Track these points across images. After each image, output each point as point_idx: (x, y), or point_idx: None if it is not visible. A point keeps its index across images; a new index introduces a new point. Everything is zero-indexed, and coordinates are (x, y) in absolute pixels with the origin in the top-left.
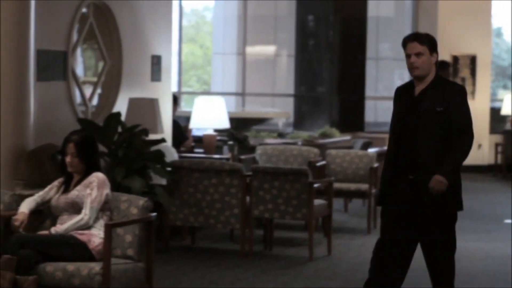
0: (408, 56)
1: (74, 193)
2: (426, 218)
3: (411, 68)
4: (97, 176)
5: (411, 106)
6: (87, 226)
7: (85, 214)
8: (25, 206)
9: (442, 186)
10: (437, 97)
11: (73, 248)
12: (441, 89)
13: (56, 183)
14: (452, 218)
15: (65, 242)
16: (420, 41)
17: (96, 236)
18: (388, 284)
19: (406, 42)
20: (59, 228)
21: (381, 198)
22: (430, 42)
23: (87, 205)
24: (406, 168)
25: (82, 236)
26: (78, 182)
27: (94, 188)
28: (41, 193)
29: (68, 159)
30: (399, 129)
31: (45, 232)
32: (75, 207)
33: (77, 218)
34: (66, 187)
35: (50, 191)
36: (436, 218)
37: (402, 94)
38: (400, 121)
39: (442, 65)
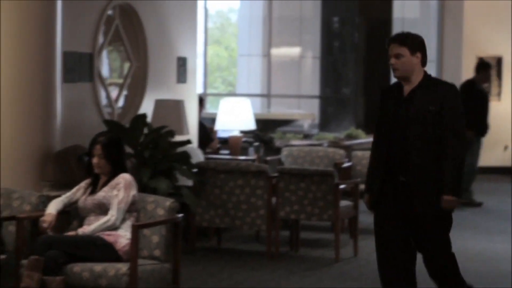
0: (389, 57)
1: (101, 194)
2: (418, 218)
3: (392, 69)
4: (124, 177)
5: (400, 107)
6: (114, 227)
7: (112, 215)
8: (53, 207)
9: (454, 204)
10: (428, 97)
11: (100, 249)
12: (432, 89)
13: (83, 184)
14: (447, 219)
15: (92, 243)
16: (400, 42)
17: (123, 237)
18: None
19: (389, 43)
20: (86, 229)
21: (373, 203)
22: (411, 43)
23: (114, 206)
24: (397, 170)
25: (109, 237)
26: (105, 183)
27: (121, 189)
28: (68, 194)
29: (95, 160)
30: (389, 130)
31: (72, 233)
32: (102, 208)
33: (104, 219)
34: (93, 188)
35: (77, 192)
36: (429, 218)
37: (390, 95)
38: (389, 123)
39: (482, 66)
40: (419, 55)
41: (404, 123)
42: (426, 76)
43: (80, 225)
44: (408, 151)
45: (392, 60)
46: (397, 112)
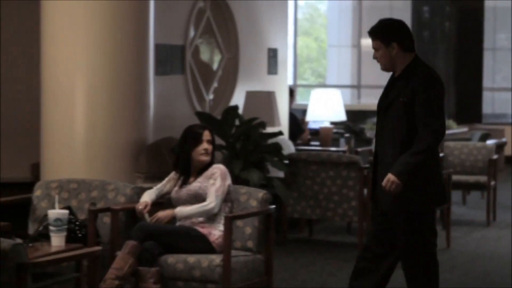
0: None
1: (196, 185)
2: (388, 213)
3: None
4: (219, 168)
5: (384, 95)
6: (212, 213)
7: (211, 201)
8: (147, 197)
9: (393, 186)
10: (404, 87)
11: (195, 240)
12: (409, 77)
13: (172, 175)
14: (414, 216)
15: (188, 234)
16: (373, 36)
17: (216, 229)
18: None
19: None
20: (184, 209)
21: (371, 196)
22: (383, 35)
23: (212, 194)
24: (377, 162)
25: (203, 229)
26: (199, 174)
27: (217, 178)
28: (158, 186)
29: (204, 146)
30: (377, 119)
31: (169, 211)
32: (198, 199)
33: (203, 203)
34: (185, 179)
35: (168, 184)
36: (395, 214)
37: (388, 81)
38: (377, 111)
39: None
40: (395, 45)
41: (382, 115)
42: (411, 63)
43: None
44: (382, 144)
45: (374, 54)
46: (381, 101)
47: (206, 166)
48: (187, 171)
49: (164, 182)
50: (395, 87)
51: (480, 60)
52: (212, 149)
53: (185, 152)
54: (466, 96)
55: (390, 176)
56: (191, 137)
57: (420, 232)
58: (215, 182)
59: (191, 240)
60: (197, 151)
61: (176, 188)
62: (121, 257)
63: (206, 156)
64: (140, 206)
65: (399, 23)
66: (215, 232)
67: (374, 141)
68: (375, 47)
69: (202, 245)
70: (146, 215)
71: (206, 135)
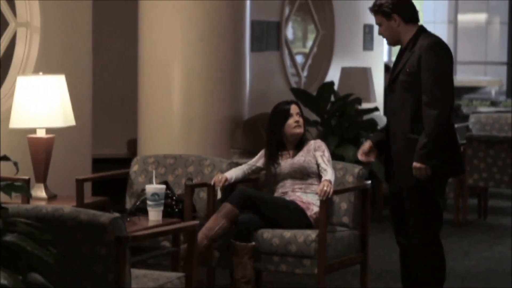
0: None
1: (299, 158)
2: (402, 190)
3: None
4: (321, 142)
5: (392, 70)
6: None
7: (331, 170)
8: (232, 173)
9: (423, 172)
10: (410, 57)
11: (293, 213)
12: (414, 47)
13: (264, 151)
14: (426, 191)
15: (286, 207)
16: (374, 12)
17: (314, 205)
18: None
19: None
20: (329, 176)
21: (385, 175)
22: (382, 9)
23: (327, 164)
24: (388, 139)
25: (302, 203)
26: (297, 149)
27: (324, 150)
28: (250, 162)
29: (295, 118)
30: (387, 96)
31: (327, 182)
32: (303, 172)
33: (329, 172)
34: (282, 154)
35: (260, 160)
36: (408, 190)
37: (397, 56)
38: (385, 87)
39: None
40: (396, 17)
41: (390, 90)
42: (416, 33)
43: (272, 192)
44: (393, 120)
45: (378, 30)
46: (390, 77)
47: (302, 140)
48: (282, 148)
49: (256, 158)
50: (401, 59)
51: None
52: (303, 121)
53: (278, 130)
54: None
55: (415, 165)
56: (281, 113)
57: (430, 211)
58: (323, 153)
59: (289, 213)
60: (289, 125)
61: (282, 161)
62: (214, 218)
63: (299, 128)
64: (217, 179)
65: None
66: (313, 208)
67: (386, 120)
68: (378, 23)
69: (300, 219)
70: (219, 191)
71: (294, 108)
